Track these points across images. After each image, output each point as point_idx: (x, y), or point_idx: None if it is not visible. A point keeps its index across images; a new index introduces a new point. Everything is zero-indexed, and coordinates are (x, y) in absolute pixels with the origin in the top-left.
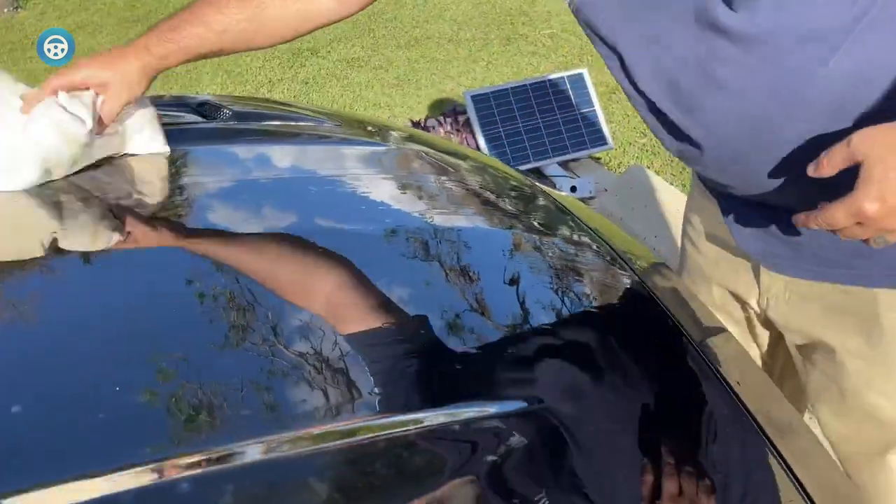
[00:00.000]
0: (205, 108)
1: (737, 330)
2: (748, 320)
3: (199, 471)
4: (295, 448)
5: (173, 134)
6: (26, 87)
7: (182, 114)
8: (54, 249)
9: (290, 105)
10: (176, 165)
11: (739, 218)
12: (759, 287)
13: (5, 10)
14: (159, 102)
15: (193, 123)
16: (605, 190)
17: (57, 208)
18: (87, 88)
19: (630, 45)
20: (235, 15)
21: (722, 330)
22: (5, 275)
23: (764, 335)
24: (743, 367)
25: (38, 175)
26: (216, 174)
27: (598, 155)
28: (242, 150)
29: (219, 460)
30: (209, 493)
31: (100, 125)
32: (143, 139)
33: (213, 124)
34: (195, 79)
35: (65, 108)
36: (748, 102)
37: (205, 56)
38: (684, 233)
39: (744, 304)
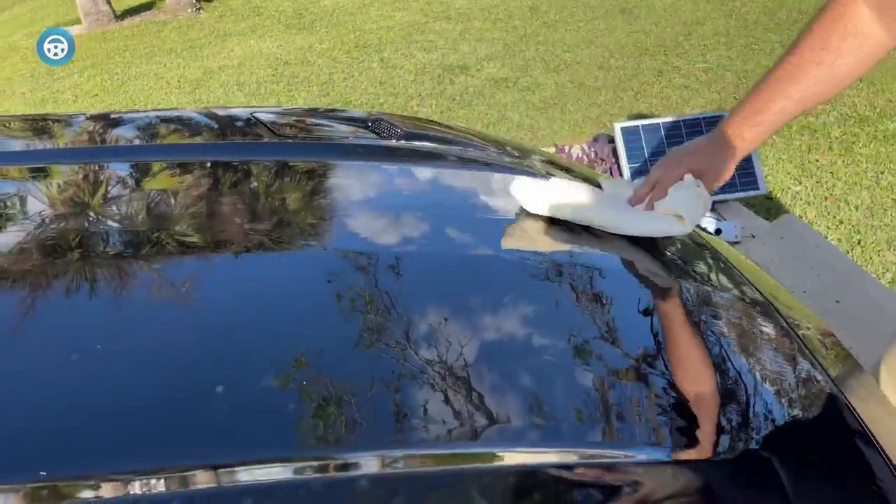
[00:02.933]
0: (378, 126)
1: None
2: None
3: (329, 475)
4: (420, 466)
5: (348, 148)
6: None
7: (358, 129)
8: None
9: (456, 129)
10: (345, 178)
11: None
12: None
13: (189, 10)
14: (335, 115)
15: (366, 139)
16: (753, 236)
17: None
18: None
19: None
20: (812, 82)
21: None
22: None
23: None
24: None
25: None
26: (382, 189)
27: (747, 199)
28: (409, 169)
29: (347, 467)
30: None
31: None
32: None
33: (385, 142)
34: (351, 87)
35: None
36: None
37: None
38: None
39: None
